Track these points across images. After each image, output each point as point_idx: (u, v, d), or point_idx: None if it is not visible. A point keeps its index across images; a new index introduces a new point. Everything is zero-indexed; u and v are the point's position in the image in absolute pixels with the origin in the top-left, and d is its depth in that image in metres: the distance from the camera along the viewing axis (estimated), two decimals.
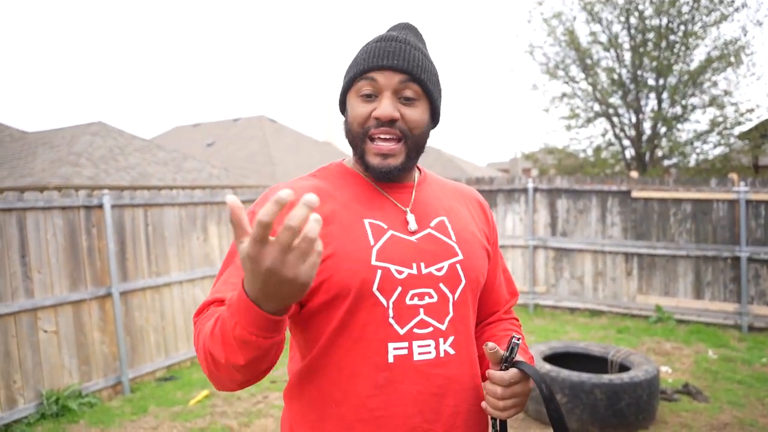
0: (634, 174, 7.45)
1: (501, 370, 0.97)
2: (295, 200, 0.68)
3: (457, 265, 1.04)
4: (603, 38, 10.96)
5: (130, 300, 4.89)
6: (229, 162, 17.81)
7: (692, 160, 11.15)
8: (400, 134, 1.01)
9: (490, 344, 0.96)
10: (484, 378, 1.10)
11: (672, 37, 10.33)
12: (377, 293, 0.96)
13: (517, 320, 1.27)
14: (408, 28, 1.11)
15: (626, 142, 11.42)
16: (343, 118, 1.11)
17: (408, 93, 1.01)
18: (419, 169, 1.19)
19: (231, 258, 1.01)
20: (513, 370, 0.96)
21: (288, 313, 0.77)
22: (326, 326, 0.99)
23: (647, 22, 10.41)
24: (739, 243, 5.95)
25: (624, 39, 10.84)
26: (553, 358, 4.07)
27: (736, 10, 10.10)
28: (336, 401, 0.98)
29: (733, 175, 6.39)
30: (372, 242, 0.99)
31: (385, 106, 0.99)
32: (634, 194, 6.51)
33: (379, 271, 0.97)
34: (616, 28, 10.84)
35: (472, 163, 30.53)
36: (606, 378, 3.43)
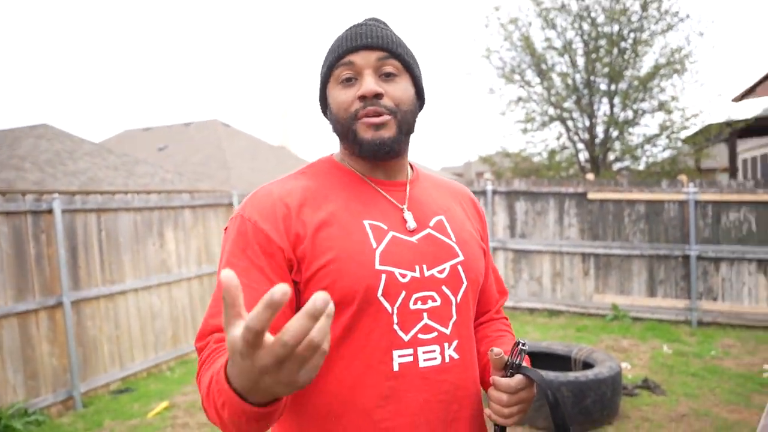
0: (590, 176, 7.65)
1: (506, 376, 0.95)
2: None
3: (459, 267, 1.01)
4: (557, 44, 11.24)
5: (82, 309, 4.67)
6: (182, 167, 17.36)
7: (642, 163, 11.56)
8: (388, 111, 0.97)
9: (496, 350, 0.93)
10: (482, 378, 1.07)
11: (623, 44, 10.70)
12: (382, 299, 0.92)
13: (507, 319, 1.25)
14: (375, 19, 1.08)
15: (580, 146, 11.73)
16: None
17: (388, 69, 0.98)
18: (411, 167, 1.15)
19: (232, 259, 0.93)
20: (519, 377, 0.93)
21: (281, 403, 0.70)
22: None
23: (599, 29, 10.74)
24: (689, 242, 6.18)
25: (578, 45, 11.15)
26: None
27: (681, 20, 10.55)
28: (336, 414, 0.93)
29: (683, 177, 6.66)
30: (374, 245, 0.95)
31: (368, 83, 0.95)
32: (590, 196, 6.68)
33: (384, 276, 0.92)
34: (570, 34, 11.14)
35: (427, 167, 30.80)
36: (572, 376, 3.49)
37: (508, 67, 11.67)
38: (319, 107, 1.09)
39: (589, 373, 3.52)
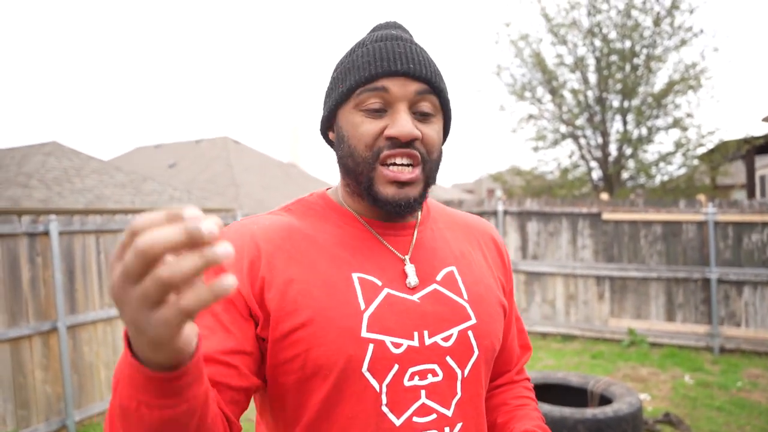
0: (604, 196, 7.44)
1: None
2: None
3: (469, 332, 0.82)
4: (569, 60, 11.10)
5: (78, 334, 4.52)
6: (191, 183, 17.35)
7: (657, 181, 11.31)
8: (419, 158, 0.78)
9: None
10: None
11: (635, 60, 10.53)
12: (367, 374, 0.74)
13: (529, 381, 1.06)
14: (400, 27, 0.87)
15: (593, 164, 11.52)
16: (323, 142, 0.87)
17: (425, 107, 0.79)
18: None
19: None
20: None
21: (186, 376, 0.51)
22: (300, 413, 0.75)
23: (611, 45, 10.59)
24: (709, 264, 5.93)
25: (589, 61, 10.99)
26: None
27: (695, 35, 10.36)
28: None
29: (702, 197, 6.43)
30: (362, 306, 0.76)
31: (405, 123, 0.76)
32: (605, 216, 6.46)
33: (371, 346, 0.74)
34: (582, 50, 10.99)
35: (438, 184, 30.63)
36: (589, 413, 3.26)
37: (518, 84, 11.54)
38: (320, 127, 0.89)
39: (608, 410, 3.29)
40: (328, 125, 0.87)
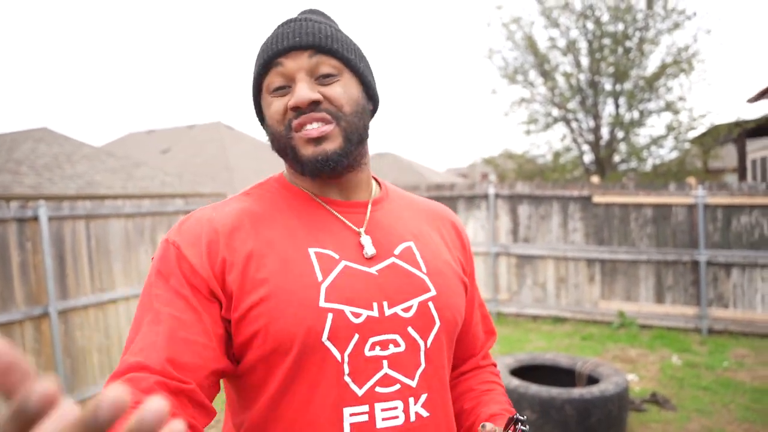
0: (595, 179, 7.45)
1: None
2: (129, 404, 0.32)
3: (430, 303, 0.83)
4: (561, 43, 11.06)
5: (70, 319, 4.52)
6: (184, 169, 17.27)
7: (649, 165, 11.34)
8: (329, 117, 0.80)
9: (488, 426, 0.75)
10: None
11: (628, 43, 10.50)
12: (328, 344, 0.75)
13: (495, 366, 1.06)
14: (311, 11, 0.90)
15: (585, 147, 11.54)
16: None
17: (325, 69, 0.82)
18: (379, 183, 0.97)
19: (150, 299, 0.76)
20: None
21: None
22: (264, 388, 0.77)
23: (604, 28, 10.55)
24: (698, 247, 5.98)
25: (582, 44, 10.95)
26: (519, 371, 3.93)
27: (688, 18, 10.33)
28: None
29: (691, 180, 6.45)
30: (320, 278, 0.78)
31: (300, 90, 0.79)
32: (596, 199, 6.49)
33: (330, 315, 0.76)
34: (574, 33, 10.95)
35: (431, 168, 30.61)
36: (576, 393, 3.30)
37: (510, 67, 11.50)
38: (258, 122, 0.91)
39: (595, 390, 3.34)
40: (262, 118, 0.89)
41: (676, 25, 10.35)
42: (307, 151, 0.81)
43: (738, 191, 5.90)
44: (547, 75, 11.14)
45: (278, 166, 19.80)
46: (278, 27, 0.86)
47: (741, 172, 11.18)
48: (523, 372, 3.95)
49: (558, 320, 6.68)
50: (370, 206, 0.90)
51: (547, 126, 11.53)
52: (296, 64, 0.81)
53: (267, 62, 0.83)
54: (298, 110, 0.80)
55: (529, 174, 12.01)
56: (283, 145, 0.84)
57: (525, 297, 6.95)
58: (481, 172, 28.83)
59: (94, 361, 4.71)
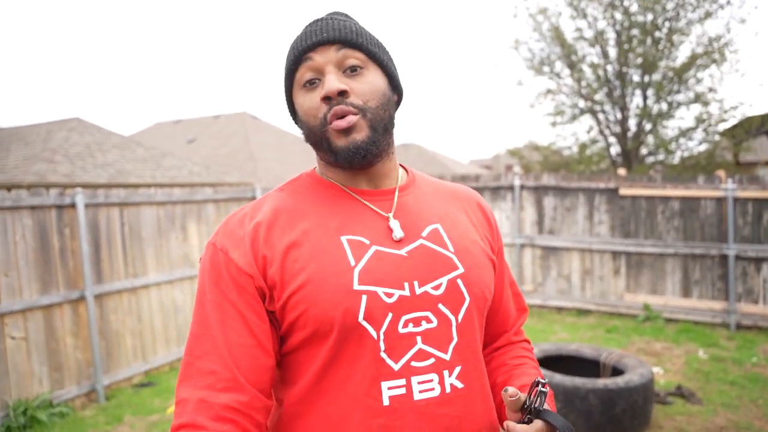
0: (622, 171, 7.38)
1: (522, 420, 0.81)
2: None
3: (458, 280, 0.88)
4: (588, 34, 10.91)
5: (105, 303, 4.68)
6: (209, 159, 17.50)
7: (677, 157, 11.16)
8: (355, 109, 0.86)
9: (511, 389, 0.80)
10: (499, 415, 0.95)
11: (657, 34, 10.31)
12: (364, 323, 0.81)
13: (529, 342, 1.11)
14: (336, 13, 0.97)
15: (611, 139, 11.40)
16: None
17: (351, 62, 0.88)
18: (406, 171, 1.03)
19: (209, 295, 0.85)
20: (538, 423, 0.79)
21: None
22: (306, 367, 0.84)
23: (632, 18, 10.37)
24: (727, 241, 5.91)
25: (609, 35, 10.79)
26: (544, 361, 3.96)
27: (721, 6, 10.10)
28: None
29: (721, 173, 6.36)
30: (353, 263, 0.84)
31: (329, 81, 0.85)
32: (622, 192, 6.44)
33: (364, 297, 0.82)
34: (602, 24, 10.79)
35: (455, 159, 30.44)
36: (601, 383, 3.33)
37: (537, 58, 11.39)
38: (291, 118, 0.98)
39: (620, 381, 3.36)
40: (294, 112, 0.95)
41: (708, 15, 10.13)
42: (340, 142, 0.86)
43: None
44: (573, 66, 11.02)
45: (300, 156, 19.93)
46: (306, 26, 0.92)
47: None
48: (548, 362, 3.98)
49: (582, 312, 6.67)
50: (397, 192, 0.96)
51: (574, 118, 11.42)
52: (324, 57, 0.87)
53: (297, 57, 0.89)
54: (330, 101, 0.86)
55: (555, 166, 11.92)
56: (318, 138, 0.89)
57: (549, 288, 6.94)
58: (505, 164, 28.64)
59: (127, 345, 4.87)
